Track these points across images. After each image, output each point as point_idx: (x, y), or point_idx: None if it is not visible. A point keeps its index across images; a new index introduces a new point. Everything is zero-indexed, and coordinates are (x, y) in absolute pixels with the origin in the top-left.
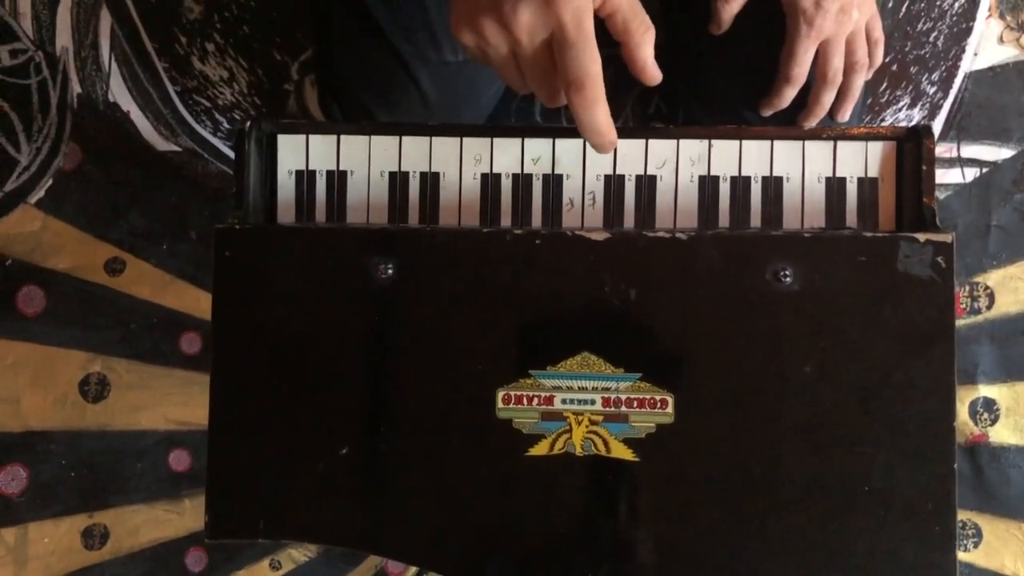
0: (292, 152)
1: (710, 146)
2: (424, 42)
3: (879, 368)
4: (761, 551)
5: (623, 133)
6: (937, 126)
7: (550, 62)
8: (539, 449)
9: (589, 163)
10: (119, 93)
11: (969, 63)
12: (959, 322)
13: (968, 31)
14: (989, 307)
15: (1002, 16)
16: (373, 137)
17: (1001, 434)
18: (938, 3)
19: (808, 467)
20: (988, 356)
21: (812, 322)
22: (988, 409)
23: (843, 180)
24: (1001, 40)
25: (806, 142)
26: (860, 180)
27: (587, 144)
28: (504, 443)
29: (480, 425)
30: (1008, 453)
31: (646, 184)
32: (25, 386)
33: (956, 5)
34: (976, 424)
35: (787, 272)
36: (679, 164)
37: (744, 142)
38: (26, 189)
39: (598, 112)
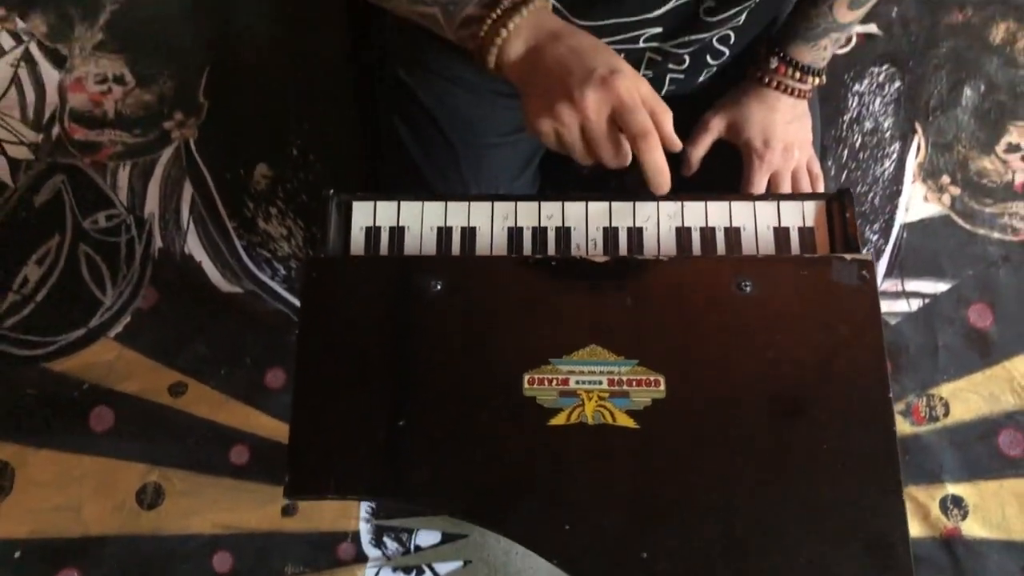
0: (363, 214)
1: (683, 206)
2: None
3: (825, 351)
4: (740, 498)
5: (617, 197)
6: (882, 266)
7: (613, 129)
8: (558, 420)
9: (590, 219)
10: (194, 247)
11: (902, 216)
12: (922, 428)
13: (898, 192)
14: (946, 415)
15: (924, 180)
16: (425, 203)
17: (972, 528)
18: (871, 172)
19: (775, 431)
20: (950, 458)
21: (769, 320)
22: (957, 505)
23: (787, 229)
24: (926, 199)
25: (756, 203)
26: (800, 229)
27: (587, 199)
28: (530, 415)
29: (510, 402)
30: (981, 545)
31: (635, 233)
32: (88, 495)
33: (886, 173)
34: (948, 518)
35: (748, 283)
36: (660, 218)
37: (709, 203)
38: (107, 325)
39: (659, 154)
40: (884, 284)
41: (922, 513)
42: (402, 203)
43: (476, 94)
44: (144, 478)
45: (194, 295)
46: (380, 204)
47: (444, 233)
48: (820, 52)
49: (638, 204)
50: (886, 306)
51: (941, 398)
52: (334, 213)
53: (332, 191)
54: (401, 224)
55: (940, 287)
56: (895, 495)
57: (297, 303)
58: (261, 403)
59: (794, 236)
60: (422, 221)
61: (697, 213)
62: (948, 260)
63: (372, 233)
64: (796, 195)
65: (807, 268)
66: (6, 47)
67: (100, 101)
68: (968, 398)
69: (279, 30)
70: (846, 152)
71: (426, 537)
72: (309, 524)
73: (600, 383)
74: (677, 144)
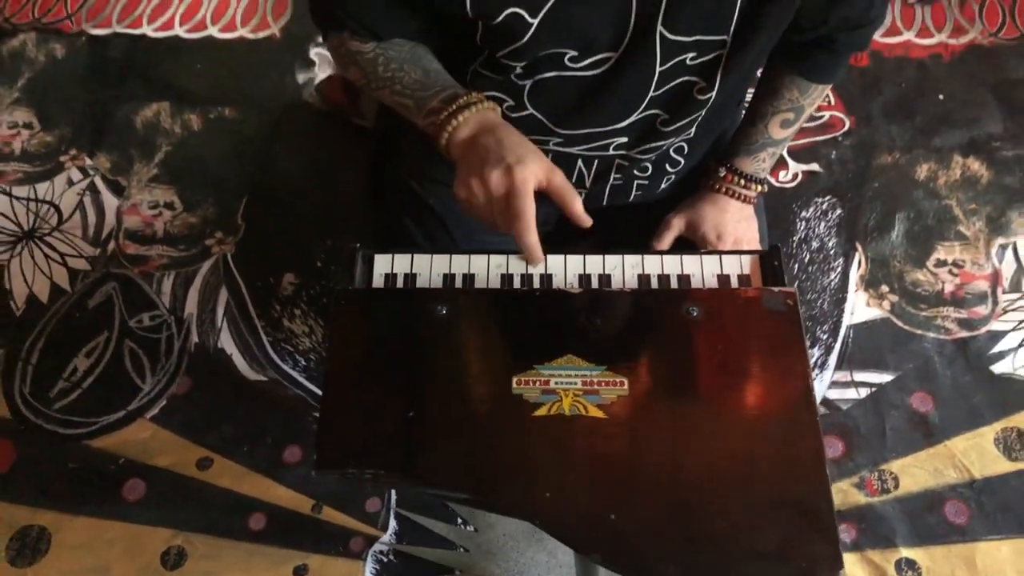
0: (384, 264)
1: (643, 259)
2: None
3: (758, 358)
4: (688, 473)
5: (591, 251)
6: (832, 359)
7: (508, 208)
8: (541, 412)
9: (568, 267)
10: (226, 342)
11: (848, 318)
12: (875, 499)
13: (844, 299)
14: (896, 488)
15: (866, 289)
16: (434, 256)
17: None
18: (820, 282)
19: (717, 420)
20: (902, 525)
21: (712, 336)
22: (911, 567)
23: (728, 275)
24: (868, 304)
25: (703, 257)
26: (739, 275)
27: (565, 252)
28: (517, 409)
29: (502, 398)
30: None
31: (604, 277)
32: (117, 557)
33: (832, 283)
34: None
35: (695, 309)
36: (624, 267)
37: (664, 257)
38: (145, 408)
39: (530, 235)
40: (835, 375)
41: (879, 575)
42: (415, 256)
43: None
44: (169, 542)
45: (223, 383)
46: (397, 256)
47: (449, 278)
48: (760, 164)
49: (607, 257)
50: (838, 393)
51: (891, 473)
52: (360, 262)
53: (358, 244)
54: (414, 271)
55: (885, 377)
56: (820, 471)
57: (315, 390)
58: (279, 476)
59: (734, 280)
60: (431, 269)
61: (655, 264)
62: (891, 355)
63: (390, 278)
64: (735, 251)
65: (743, 297)
66: (75, 179)
67: (151, 222)
68: (915, 473)
69: (310, 168)
70: (797, 266)
71: None
72: None
73: (575, 384)
74: (586, 221)
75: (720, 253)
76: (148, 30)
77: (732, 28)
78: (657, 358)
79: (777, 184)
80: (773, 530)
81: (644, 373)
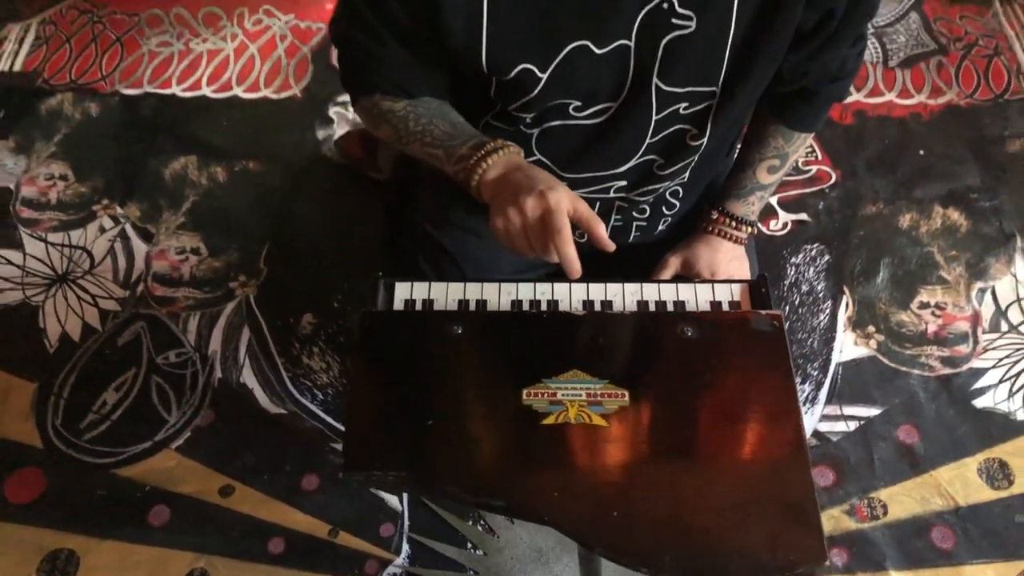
0: (404, 291)
1: (642, 287)
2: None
3: (747, 373)
4: (683, 474)
5: (595, 280)
6: (823, 394)
7: (544, 228)
8: (548, 420)
9: (573, 294)
10: (247, 377)
11: (837, 356)
12: (865, 525)
13: (832, 338)
14: (885, 514)
15: (854, 329)
16: (450, 284)
17: None
18: (810, 322)
19: (709, 426)
20: (891, 550)
21: (705, 353)
22: None
23: (720, 302)
24: (856, 343)
25: (696, 285)
26: (729, 301)
27: (570, 280)
28: (527, 418)
29: (513, 408)
30: None
31: (606, 303)
32: None
33: (821, 324)
34: None
35: (689, 329)
36: (625, 294)
37: (661, 285)
38: (170, 439)
39: (570, 248)
40: (826, 409)
41: None
42: (432, 284)
43: (486, 240)
44: (192, 565)
45: (245, 415)
46: (416, 284)
47: (463, 303)
48: (749, 207)
49: (608, 285)
50: (829, 426)
51: (880, 500)
52: (382, 290)
53: (380, 274)
54: (431, 297)
55: (872, 411)
56: (803, 470)
57: (331, 421)
58: (297, 503)
59: (725, 305)
60: (447, 295)
61: (652, 291)
62: (878, 391)
63: (410, 303)
64: (726, 280)
65: (733, 319)
66: (106, 227)
67: (178, 267)
68: (903, 500)
69: (328, 217)
70: (788, 308)
71: None
72: None
73: (580, 396)
74: (609, 245)
75: (713, 282)
76: (177, 90)
77: (721, 80)
78: (654, 372)
79: (768, 232)
80: (761, 525)
81: (642, 386)
